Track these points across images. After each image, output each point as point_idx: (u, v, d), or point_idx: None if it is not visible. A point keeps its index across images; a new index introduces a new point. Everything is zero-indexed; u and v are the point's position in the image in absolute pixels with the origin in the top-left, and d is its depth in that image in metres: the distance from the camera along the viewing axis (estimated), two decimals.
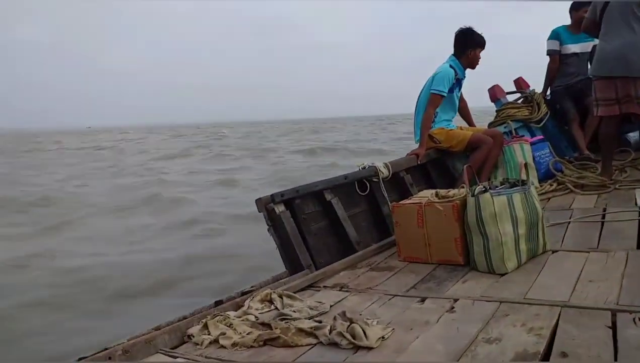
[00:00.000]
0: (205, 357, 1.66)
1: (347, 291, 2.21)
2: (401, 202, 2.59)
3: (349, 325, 1.63)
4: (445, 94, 3.77)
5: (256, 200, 2.66)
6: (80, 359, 1.65)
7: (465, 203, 2.31)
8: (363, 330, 1.58)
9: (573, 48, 4.76)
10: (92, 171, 15.34)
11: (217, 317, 1.92)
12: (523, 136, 4.26)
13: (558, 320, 1.61)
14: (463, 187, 2.41)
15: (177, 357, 1.69)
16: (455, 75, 3.85)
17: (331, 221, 2.92)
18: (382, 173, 3.21)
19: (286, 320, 1.86)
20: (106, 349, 1.70)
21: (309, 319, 1.87)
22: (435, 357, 1.45)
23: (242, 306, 2.09)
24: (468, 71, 4.00)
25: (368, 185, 3.18)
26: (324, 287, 2.32)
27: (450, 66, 3.85)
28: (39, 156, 23.76)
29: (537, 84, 5.07)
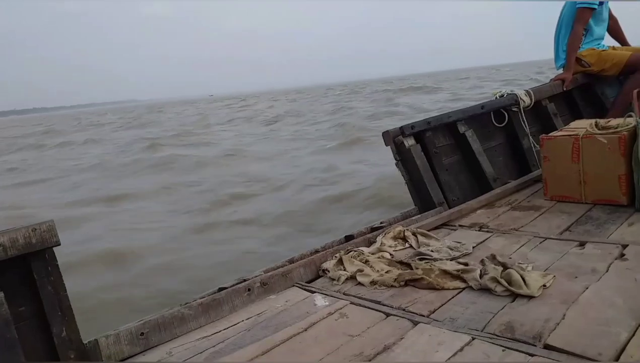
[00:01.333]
0: (344, 294, 1.60)
1: (488, 231, 2.03)
2: (552, 134, 2.29)
3: (503, 270, 1.47)
4: (596, 7, 3.21)
5: (383, 133, 2.51)
6: (220, 289, 1.67)
7: (634, 135, 1.97)
8: (522, 277, 1.41)
9: None
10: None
11: (351, 253, 1.85)
12: None
13: None
14: (631, 116, 2.06)
15: (314, 292, 1.64)
16: None
17: (465, 155, 2.69)
18: (523, 101, 2.87)
19: (426, 260, 1.74)
20: (244, 280, 1.70)
21: (451, 260, 1.73)
22: (615, 311, 1.24)
23: (374, 242, 2.00)
24: None
25: (506, 115, 2.87)
26: (460, 226, 2.16)
27: None
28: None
29: None
